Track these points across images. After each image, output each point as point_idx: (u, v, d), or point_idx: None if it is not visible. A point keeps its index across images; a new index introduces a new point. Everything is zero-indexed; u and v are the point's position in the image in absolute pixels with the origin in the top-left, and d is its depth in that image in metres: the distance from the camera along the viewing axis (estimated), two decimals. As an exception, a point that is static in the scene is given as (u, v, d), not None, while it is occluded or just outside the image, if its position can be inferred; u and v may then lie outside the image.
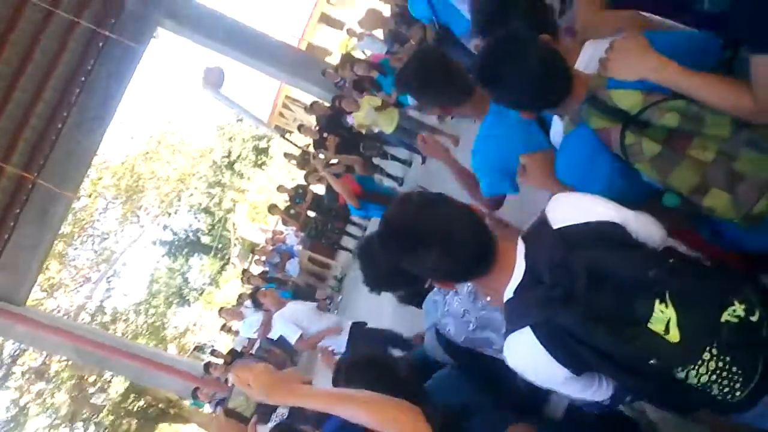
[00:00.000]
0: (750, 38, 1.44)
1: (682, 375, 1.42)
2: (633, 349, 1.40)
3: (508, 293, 1.51)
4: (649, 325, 1.39)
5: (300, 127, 10.93)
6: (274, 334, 5.74)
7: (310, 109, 10.65)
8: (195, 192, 33.82)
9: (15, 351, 25.37)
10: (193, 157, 32.93)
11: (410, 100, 8.15)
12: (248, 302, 9.87)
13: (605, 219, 1.51)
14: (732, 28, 1.54)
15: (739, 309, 1.42)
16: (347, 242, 13.16)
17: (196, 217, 36.15)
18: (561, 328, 1.42)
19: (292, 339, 5.45)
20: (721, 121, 1.52)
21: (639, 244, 1.52)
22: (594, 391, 1.56)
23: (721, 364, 1.40)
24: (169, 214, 34.42)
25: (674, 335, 1.39)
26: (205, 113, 60.81)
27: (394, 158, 10.29)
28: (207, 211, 34.74)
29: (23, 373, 25.55)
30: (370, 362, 2.23)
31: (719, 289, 1.45)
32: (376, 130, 8.93)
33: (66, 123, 11.41)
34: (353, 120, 8.47)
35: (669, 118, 1.54)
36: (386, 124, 8.28)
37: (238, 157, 33.49)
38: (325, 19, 31.86)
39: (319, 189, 12.88)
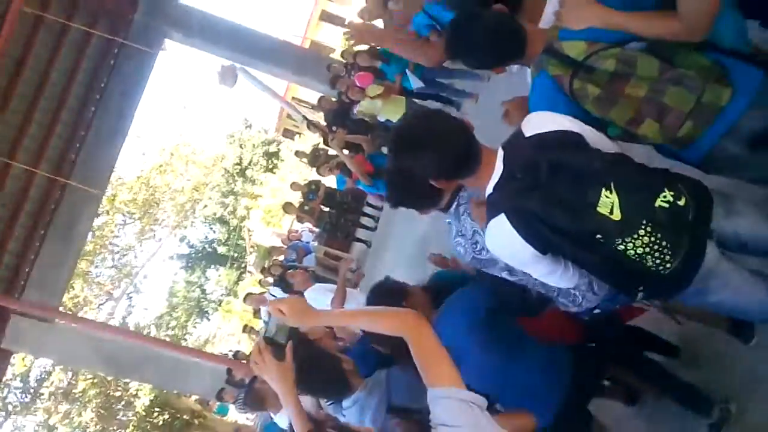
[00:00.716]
0: None
1: (622, 247, 1.80)
2: (584, 226, 1.79)
3: (489, 189, 1.91)
4: (597, 208, 1.79)
5: (309, 124, 11.27)
6: None
7: (318, 104, 10.98)
8: (209, 203, 34.33)
9: (41, 374, 25.91)
10: (206, 165, 33.45)
11: (414, 84, 8.49)
12: (273, 289, 10.23)
13: (567, 129, 1.90)
14: None
15: (668, 195, 1.81)
16: (361, 234, 13.52)
17: (211, 228, 36.72)
18: (528, 212, 1.81)
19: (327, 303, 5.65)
20: (650, 64, 1.88)
21: (593, 148, 1.90)
22: (560, 275, 1.96)
23: (653, 239, 1.79)
24: (185, 227, 35.00)
25: (617, 215, 1.79)
26: (215, 122, 61.74)
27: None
28: (222, 220, 35.24)
29: (50, 394, 25.97)
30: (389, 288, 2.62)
31: (653, 181, 1.85)
32: (382, 120, 9.20)
33: (84, 142, 11.82)
34: (359, 109, 8.71)
35: (609, 63, 1.90)
36: (392, 112, 8.51)
37: (250, 163, 33.98)
38: (326, 17, 32.27)
39: (331, 182, 13.26)
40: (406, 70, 8.48)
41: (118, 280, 30.75)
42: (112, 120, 12.08)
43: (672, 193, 1.83)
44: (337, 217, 12.72)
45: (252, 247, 32.86)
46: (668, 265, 1.83)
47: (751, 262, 2.09)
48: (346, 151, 7.48)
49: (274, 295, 9.99)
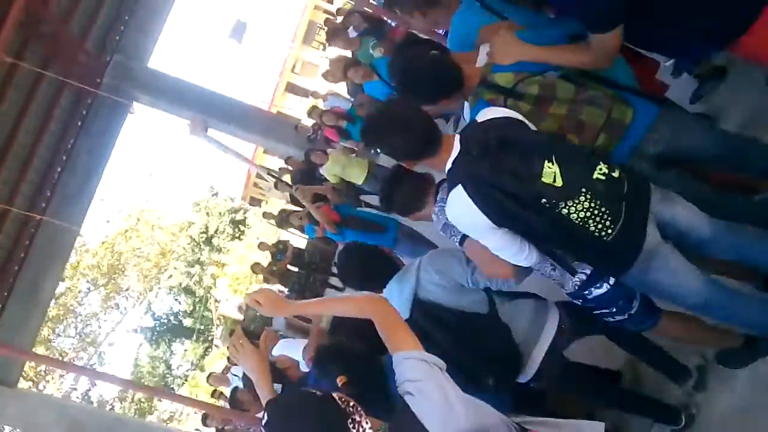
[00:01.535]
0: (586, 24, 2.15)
1: (566, 211, 2.02)
2: (530, 190, 2.02)
3: (448, 165, 2.15)
4: (542, 178, 2.03)
5: (276, 184, 11.41)
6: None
7: (285, 165, 11.17)
8: (174, 273, 33.89)
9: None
10: (173, 232, 33.24)
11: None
12: (235, 368, 10.06)
13: (513, 116, 2.22)
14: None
15: (604, 168, 2.08)
16: (330, 294, 13.48)
17: (176, 299, 36.11)
18: (481, 178, 2.03)
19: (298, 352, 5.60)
20: (567, 88, 2.27)
21: (534, 129, 2.22)
22: (515, 252, 2.18)
23: (593, 204, 2.03)
24: (150, 300, 34.37)
25: (559, 182, 2.04)
26: (181, 190, 62.01)
27: (369, 206, 10.75)
28: (187, 290, 34.72)
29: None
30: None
31: (590, 156, 2.14)
32: (347, 180, 9.35)
33: (50, 202, 11.74)
34: (324, 171, 8.89)
35: (533, 89, 2.28)
36: (356, 174, 8.69)
37: (216, 231, 33.89)
38: (291, 88, 33.15)
39: (300, 242, 13.29)
40: None
41: (81, 349, 29.78)
42: (79, 180, 12.04)
43: (607, 166, 2.09)
44: (305, 277, 12.71)
45: (219, 318, 32.31)
46: (609, 231, 2.05)
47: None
48: (310, 203, 7.68)
49: (236, 375, 9.82)
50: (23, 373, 13.95)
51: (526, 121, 2.23)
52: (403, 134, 2.14)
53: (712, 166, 2.51)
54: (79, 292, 29.15)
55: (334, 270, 13.11)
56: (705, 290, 2.25)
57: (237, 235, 33.05)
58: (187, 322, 35.28)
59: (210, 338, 34.07)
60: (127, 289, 32.20)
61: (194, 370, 34.12)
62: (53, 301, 18.14)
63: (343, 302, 2.12)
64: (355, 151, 8.91)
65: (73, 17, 11.08)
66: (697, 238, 2.26)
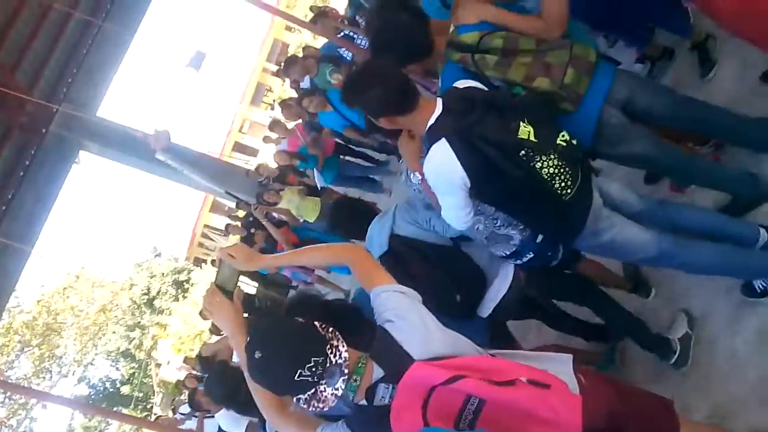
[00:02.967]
0: None
1: (539, 164, 2.23)
2: (511, 140, 2.21)
3: (431, 121, 2.27)
4: (518, 135, 2.23)
5: (227, 227, 11.41)
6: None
7: (236, 207, 11.21)
8: (113, 337, 32.56)
9: None
10: (113, 290, 32.11)
11: (319, 183, 8.97)
12: (183, 407, 9.76)
13: (484, 88, 2.42)
14: None
15: (566, 135, 2.31)
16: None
17: (114, 365, 34.53)
18: (467, 131, 2.19)
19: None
20: (528, 41, 2.48)
21: (509, 95, 2.47)
22: (463, 215, 2.36)
23: (559, 163, 2.25)
24: (85, 367, 32.75)
25: (533, 138, 2.24)
26: (123, 249, 60.21)
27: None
28: (126, 355, 33.30)
29: None
30: None
31: (555, 124, 2.36)
32: (301, 220, 9.52)
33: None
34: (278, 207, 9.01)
35: (497, 42, 2.49)
36: (309, 212, 8.88)
37: (158, 292, 32.92)
38: (239, 148, 33.29)
39: (250, 290, 13.14)
40: (315, 170, 9.01)
41: (12, 413, 27.84)
42: (20, 229, 11.72)
43: (568, 133, 2.32)
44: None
45: (159, 385, 31.02)
46: (568, 191, 2.26)
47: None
48: (268, 223, 7.84)
49: (183, 414, 9.53)
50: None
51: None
52: (381, 87, 2.24)
53: (666, 123, 2.74)
54: (11, 351, 27.54)
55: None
56: (655, 243, 2.45)
57: (180, 295, 32.18)
58: (125, 389, 33.67)
59: (149, 406, 32.49)
60: (61, 357, 30.65)
61: (132, 439, 32.31)
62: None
63: (319, 250, 2.18)
64: (308, 189, 9.06)
65: (21, 66, 11.07)
66: (629, 212, 2.53)
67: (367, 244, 2.99)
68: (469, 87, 2.39)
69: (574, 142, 2.31)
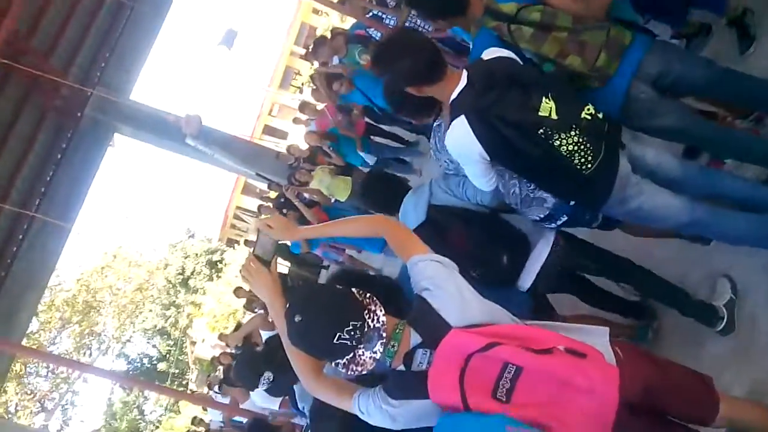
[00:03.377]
0: None
1: (558, 142, 2.23)
2: (530, 119, 2.22)
3: (454, 95, 2.30)
4: (539, 112, 2.23)
5: (260, 208, 11.53)
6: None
7: (268, 188, 11.29)
8: (149, 315, 33.33)
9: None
10: (149, 270, 32.82)
11: (366, 160, 8.98)
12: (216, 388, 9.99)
13: (516, 59, 2.41)
14: None
15: (591, 109, 2.30)
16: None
17: (150, 343, 35.36)
18: (486, 112, 2.21)
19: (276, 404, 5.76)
20: (566, 18, 2.45)
21: (534, 69, 2.44)
22: (487, 180, 2.40)
23: (580, 140, 2.25)
24: (123, 344, 33.63)
25: (554, 116, 2.24)
26: (158, 231, 61.61)
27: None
28: (162, 333, 34.06)
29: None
30: None
31: (580, 98, 2.35)
32: (332, 201, 9.55)
33: (30, 230, 11.68)
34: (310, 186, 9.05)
35: (535, 15, 2.46)
36: (340, 191, 8.91)
37: (192, 272, 33.50)
38: (269, 130, 33.49)
39: (282, 269, 13.28)
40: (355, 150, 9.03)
41: (55, 387, 28.84)
42: (59, 210, 12.01)
43: (594, 107, 2.31)
44: (287, 303, 12.64)
45: (194, 362, 31.68)
46: (589, 166, 2.26)
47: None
48: (300, 202, 7.96)
49: (218, 391, 9.74)
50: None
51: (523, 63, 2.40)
52: (411, 57, 2.26)
53: (704, 94, 2.71)
54: (54, 327, 28.46)
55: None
56: (688, 210, 2.41)
57: (214, 275, 32.71)
58: (162, 366, 34.48)
59: (185, 382, 33.23)
60: (100, 334, 31.53)
61: (168, 413, 33.15)
62: (25, 339, 17.73)
63: (355, 221, 2.18)
64: (339, 168, 9.08)
65: (55, 51, 11.26)
66: (666, 177, 2.47)
67: (401, 218, 3.01)
68: (497, 57, 2.38)
69: (600, 115, 2.29)
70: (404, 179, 3.48)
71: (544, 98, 2.23)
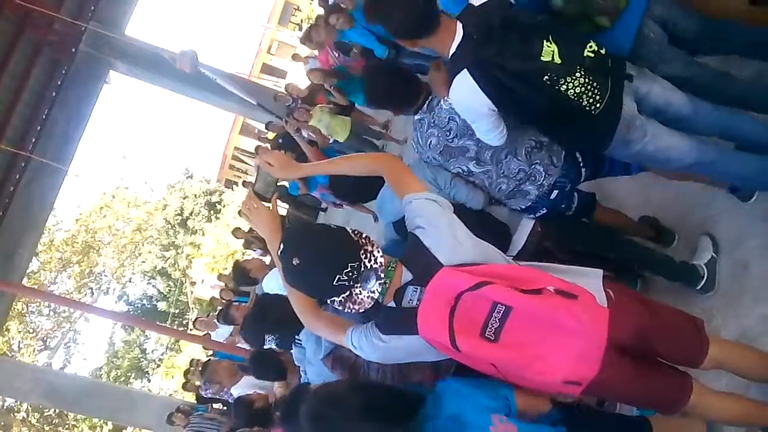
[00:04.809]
0: None
1: (564, 87, 2.18)
2: (534, 66, 2.16)
3: (452, 49, 2.22)
4: (541, 57, 2.17)
5: (257, 149, 11.43)
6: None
7: (266, 128, 11.19)
8: (149, 257, 33.54)
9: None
10: (148, 211, 32.87)
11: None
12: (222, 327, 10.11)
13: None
14: None
15: (594, 45, 2.24)
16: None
17: (150, 283, 35.73)
18: (488, 64, 2.14)
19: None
20: None
21: (528, 11, 2.32)
22: (498, 133, 2.33)
23: (586, 80, 2.20)
24: (124, 284, 33.99)
25: (557, 60, 2.18)
26: (156, 171, 61.52)
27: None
28: (162, 273, 34.37)
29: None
30: None
31: (581, 35, 2.28)
32: (330, 141, 9.45)
33: (27, 168, 11.63)
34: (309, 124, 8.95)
35: None
36: (339, 130, 8.82)
37: (191, 213, 33.56)
38: (267, 69, 32.95)
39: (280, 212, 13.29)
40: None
41: (57, 325, 29.36)
42: (55, 148, 11.93)
43: (596, 44, 2.25)
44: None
45: (194, 302, 32.13)
46: (598, 105, 2.22)
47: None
48: (301, 139, 7.94)
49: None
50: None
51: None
52: (401, 11, 2.18)
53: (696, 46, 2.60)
54: (54, 267, 28.68)
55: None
56: (694, 149, 2.38)
57: (212, 216, 32.77)
58: (162, 305, 34.94)
59: (185, 322, 33.74)
60: (101, 274, 31.80)
61: (171, 350, 33.82)
62: (25, 278, 17.92)
63: (354, 159, 2.19)
64: (339, 108, 8.96)
65: (48, -16, 10.95)
66: (676, 114, 2.42)
67: (377, 208, 2.95)
68: (487, 3, 2.25)
69: (603, 51, 2.24)
70: (412, 73, 3.05)
71: (545, 42, 2.17)
